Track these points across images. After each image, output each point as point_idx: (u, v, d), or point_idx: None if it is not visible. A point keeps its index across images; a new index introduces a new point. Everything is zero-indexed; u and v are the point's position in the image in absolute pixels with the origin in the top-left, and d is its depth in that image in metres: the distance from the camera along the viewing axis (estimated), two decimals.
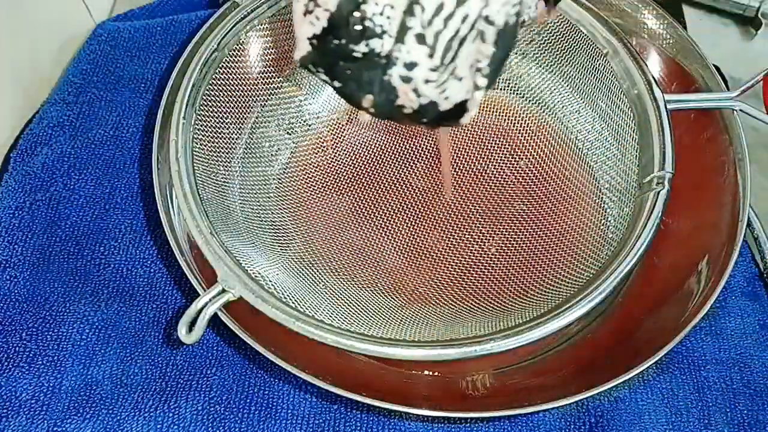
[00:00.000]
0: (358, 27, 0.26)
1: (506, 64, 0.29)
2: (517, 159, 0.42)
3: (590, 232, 0.39)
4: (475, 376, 0.37)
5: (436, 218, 0.41)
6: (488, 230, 0.40)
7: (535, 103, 0.44)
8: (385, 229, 0.41)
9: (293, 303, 0.33)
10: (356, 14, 0.26)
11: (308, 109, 0.44)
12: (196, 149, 0.37)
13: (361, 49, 0.27)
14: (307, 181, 0.42)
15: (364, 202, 0.41)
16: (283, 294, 0.33)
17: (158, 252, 0.40)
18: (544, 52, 0.43)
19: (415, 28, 0.26)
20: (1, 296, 0.38)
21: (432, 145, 0.43)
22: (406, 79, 0.27)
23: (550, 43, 0.42)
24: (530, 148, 0.43)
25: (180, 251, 0.36)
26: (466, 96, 0.28)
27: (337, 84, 0.28)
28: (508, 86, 0.45)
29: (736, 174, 0.39)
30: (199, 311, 0.31)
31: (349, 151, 0.43)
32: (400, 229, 0.41)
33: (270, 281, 0.34)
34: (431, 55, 0.26)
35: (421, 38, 0.26)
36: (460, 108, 0.29)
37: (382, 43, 0.26)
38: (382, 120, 0.30)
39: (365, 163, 0.43)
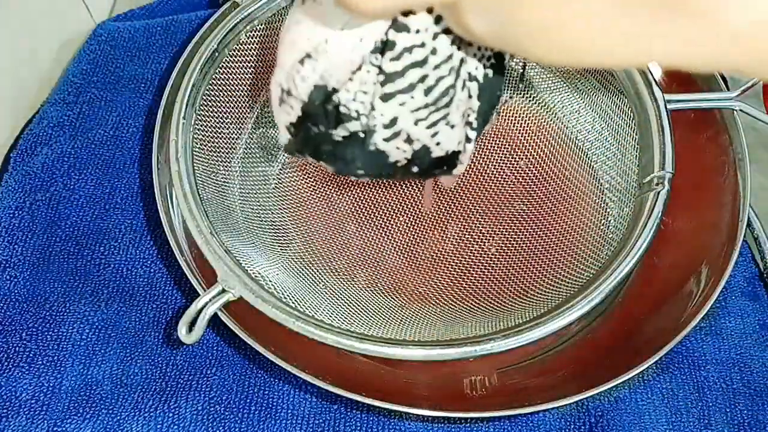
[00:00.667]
0: (333, 115, 0.27)
1: (491, 117, 0.30)
2: (517, 159, 0.42)
3: (590, 232, 0.39)
4: (475, 376, 0.37)
5: (436, 218, 0.41)
6: (488, 230, 0.40)
7: (535, 102, 0.44)
8: (385, 229, 0.41)
9: (293, 303, 0.33)
10: (330, 104, 0.26)
11: None
12: (196, 149, 0.37)
13: (340, 133, 0.27)
14: (307, 180, 0.42)
15: (364, 202, 0.41)
16: (283, 294, 0.33)
17: (158, 252, 0.40)
18: None
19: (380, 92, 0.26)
20: (1, 296, 0.38)
21: None
22: (393, 136, 0.27)
23: None
24: (530, 148, 0.43)
25: (180, 251, 0.36)
26: (458, 147, 0.29)
27: (324, 164, 0.29)
28: (508, 86, 0.45)
29: (736, 174, 0.39)
30: (199, 311, 0.31)
31: None
32: (400, 229, 0.41)
33: (270, 281, 0.34)
34: (413, 96, 0.26)
35: (387, 96, 0.26)
36: (452, 158, 0.29)
37: (360, 123, 0.27)
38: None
39: None
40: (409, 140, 0.27)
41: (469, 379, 0.37)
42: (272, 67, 0.42)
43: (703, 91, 0.41)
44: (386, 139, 0.27)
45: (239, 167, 0.41)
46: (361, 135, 0.27)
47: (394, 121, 0.27)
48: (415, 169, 0.29)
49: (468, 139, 0.29)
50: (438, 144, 0.28)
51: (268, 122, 0.43)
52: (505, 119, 0.44)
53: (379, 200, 0.41)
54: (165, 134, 0.39)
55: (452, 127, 0.28)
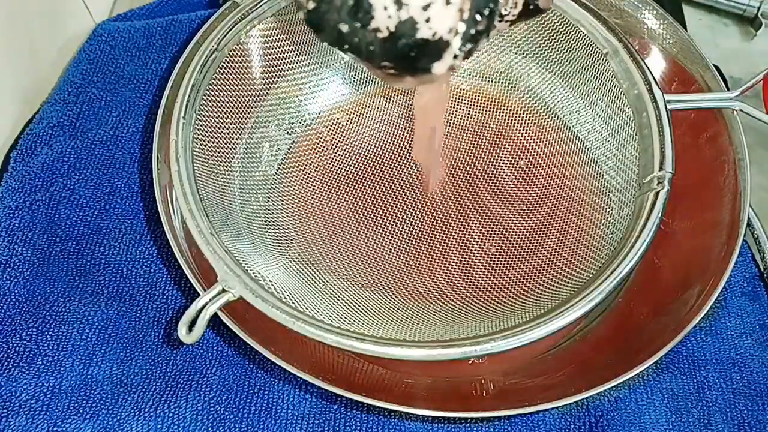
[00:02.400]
0: None
1: (489, 30, 0.28)
2: (517, 159, 0.42)
3: (590, 232, 0.39)
4: (482, 378, 0.37)
5: (436, 218, 0.41)
6: (488, 230, 0.40)
7: (535, 102, 0.44)
8: (385, 229, 0.41)
9: (293, 303, 0.33)
10: None
11: (308, 109, 0.44)
12: (196, 149, 0.37)
13: None
14: (307, 181, 0.42)
15: (363, 201, 0.41)
16: (283, 294, 0.33)
17: (158, 252, 0.40)
18: (544, 52, 0.43)
19: None
20: (1, 296, 0.38)
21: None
22: None
23: (550, 43, 0.42)
24: (530, 148, 0.43)
25: (180, 251, 0.36)
26: (448, 35, 0.27)
27: (311, 4, 0.27)
28: (509, 86, 0.45)
29: (736, 174, 0.39)
30: (199, 311, 0.31)
31: (349, 151, 0.43)
32: (400, 228, 0.41)
33: (270, 281, 0.34)
34: None
35: None
36: (437, 48, 0.27)
37: None
38: (344, 51, 0.28)
39: (365, 163, 0.43)
40: (399, 2, 0.26)
41: (470, 380, 0.37)
42: (273, 66, 0.42)
43: (703, 91, 0.41)
44: None
45: (239, 167, 0.41)
46: None
47: None
48: (395, 47, 0.27)
49: (456, 32, 0.27)
50: (427, 21, 0.26)
51: (268, 122, 0.43)
52: (505, 119, 0.44)
53: (379, 200, 0.41)
54: (165, 134, 0.39)
55: (447, 3, 0.26)
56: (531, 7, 0.30)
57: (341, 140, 0.44)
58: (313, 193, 0.42)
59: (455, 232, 0.40)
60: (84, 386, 0.36)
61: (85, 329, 0.37)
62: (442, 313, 0.37)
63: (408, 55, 0.27)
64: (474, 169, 0.42)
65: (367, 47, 0.27)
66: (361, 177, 0.42)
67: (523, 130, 0.43)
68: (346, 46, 0.28)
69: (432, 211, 0.41)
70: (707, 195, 0.40)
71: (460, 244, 0.40)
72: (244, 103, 0.41)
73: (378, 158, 0.43)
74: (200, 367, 0.37)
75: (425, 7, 0.26)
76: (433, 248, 0.40)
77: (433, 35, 0.27)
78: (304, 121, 0.44)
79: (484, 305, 0.37)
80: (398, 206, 0.41)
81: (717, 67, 0.42)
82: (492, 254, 0.40)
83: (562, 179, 0.42)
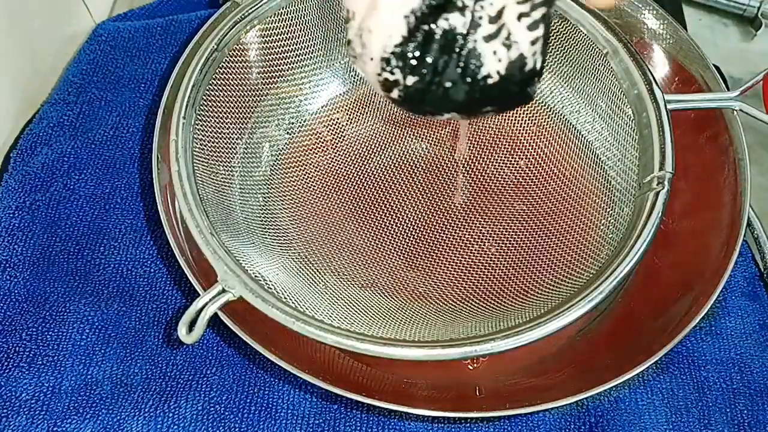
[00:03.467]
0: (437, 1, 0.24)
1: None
2: (517, 159, 0.42)
3: (590, 232, 0.39)
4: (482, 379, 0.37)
5: (436, 218, 0.41)
6: (488, 230, 0.40)
7: (535, 102, 0.44)
8: (385, 229, 0.41)
9: (293, 303, 0.33)
10: None
11: (308, 109, 0.44)
12: (196, 149, 0.37)
13: (441, 26, 0.24)
14: (307, 181, 0.42)
15: (364, 201, 0.41)
16: (283, 294, 0.33)
17: (158, 252, 0.40)
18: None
19: None
20: (1, 296, 0.38)
21: (431, 145, 0.43)
22: (495, 34, 0.24)
23: (550, 43, 0.42)
24: (530, 147, 0.43)
25: (180, 251, 0.36)
26: (540, 59, 0.26)
27: (411, 79, 0.25)
28: None
29: (736, 174, 0.39)
30: (199, 311, 0.31)
31: (349, 151, 0.43)
32: (400, 228, 0.41)
33: (270, 281, 0.34)
34: None
35: None
36: (535, 75, 0.26)
37: (463, 19, 0.24)
38: (445, 112, 0.27)
39: (365, 163, 0.43)
40: (507, 42, 0.25)
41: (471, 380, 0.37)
42: (273, 66, 0.42)
43: (703, 91, 0.41)
44: (487, 38, 0.24)
45: (239, 167, 0.41)
46: (462, 33, 0.24)
47: (500, 14, 0.24)
48: (505, 89, 0.26)
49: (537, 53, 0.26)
50: (534, 55, 0.25)
51: (268, 122, 0.43)
52: (505, 119, 0.44)
53: (379, 200, 0.41)
54: (165, 134, 0.39)
55: (536, 27, 0.25)
56: None
57: (341, 140, 0.44)
58: (313, 193, 0.42)
59: (455, 232, 0.40)
60: (84, 386, 0.36)
61: (85, 329, 0.37)
62: (442, 313, 0.37)
63: (514, 92, 0.27)
64: (474, 169, 0.42)
65: (475, 98, 0.26)
66: (361, 177, 0.42)
67: (523, 130, 0.43)
68: (450, 106, 0.27)
69: (432, 210, 0.41)
70: (707, 195, 0.40)
71: (460, 244, 0.40)
72: (244, 103, 0.41)
73: (378, 158, 0.43)
74: (200, 367, 0.37)
75: (534, 41, 0.25)
76: (433, 248, 0.40)
77: (535, 64, 0.26)
78: (304, 121, 0.44)
79: (484, 305, 0.37)
80: (398, 206, 0.41)
81: (717, 67, 0.42)
82: (492, 254, 0.40)
83: (562, 179, 0.42)
